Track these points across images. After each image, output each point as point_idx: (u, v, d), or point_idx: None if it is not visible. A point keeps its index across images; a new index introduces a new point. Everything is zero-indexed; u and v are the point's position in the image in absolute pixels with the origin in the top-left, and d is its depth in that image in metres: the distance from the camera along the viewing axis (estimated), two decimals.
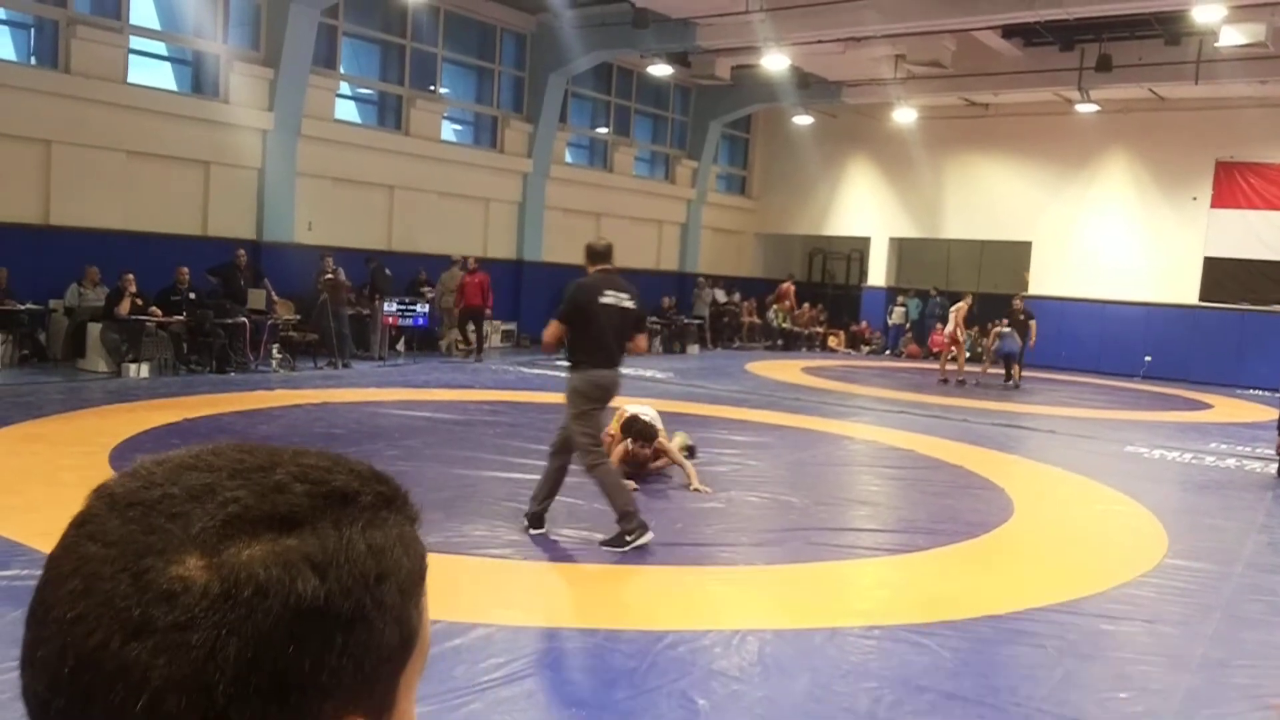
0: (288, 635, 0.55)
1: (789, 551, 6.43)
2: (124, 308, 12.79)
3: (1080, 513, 8.30)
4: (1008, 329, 18.52)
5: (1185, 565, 6.55)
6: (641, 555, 6.14)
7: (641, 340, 6.49)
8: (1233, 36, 16.13)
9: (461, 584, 5.44)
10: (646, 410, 8.77)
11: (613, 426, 8.63)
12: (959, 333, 18.49)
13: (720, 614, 5.25)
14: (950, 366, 18.79)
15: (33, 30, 14.13)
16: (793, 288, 25.82)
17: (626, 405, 8.91)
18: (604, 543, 6.15)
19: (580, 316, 6.21)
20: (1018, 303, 19.50)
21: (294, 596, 0.56)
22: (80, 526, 0.59)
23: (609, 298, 6.22)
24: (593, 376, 6.20)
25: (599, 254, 6.45)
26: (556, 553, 6.15)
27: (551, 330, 6.36)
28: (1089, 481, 9.48)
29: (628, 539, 6.06)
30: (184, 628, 0.54)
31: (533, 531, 6.35)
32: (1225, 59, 17.69)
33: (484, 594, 5.54)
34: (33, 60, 14.09)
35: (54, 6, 13.91)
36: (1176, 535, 7.36)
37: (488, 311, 17.83)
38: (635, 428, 8.18)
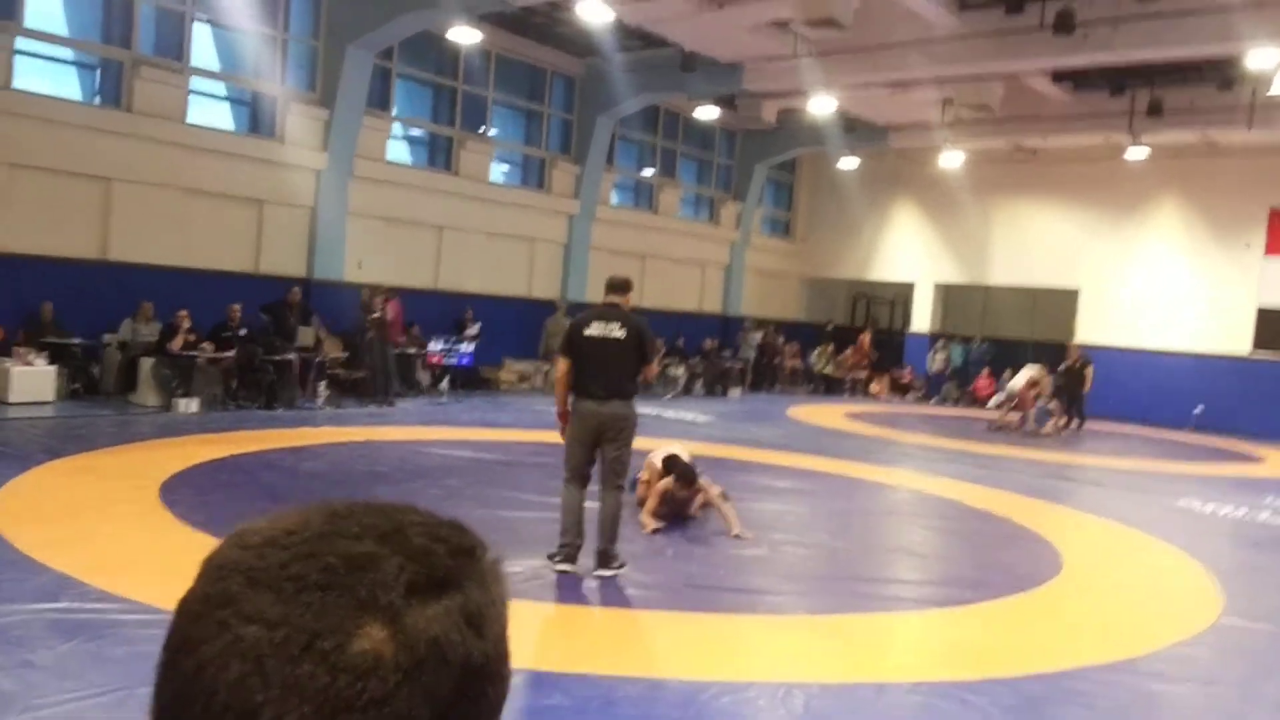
0: (459, 694, 0.57)
1: (834, 601, 6.35)
2: (177, 344, 13.01)
3: (1132, 568, 8.13)
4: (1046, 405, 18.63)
5: (1242, 625, 6.38)
6: (685, 600, 6.09)
7: (649, 370, 6.56)
8: None
9: None
10: (677, 452, 8.72)
11: (645, 473, 8.60)
12: (1030, 393, 18.55)
13: (765, 665, 5.18)
14: (1012, 417, 18.71)
15: (98, 71, 14.55)
16: (869, 337, 25.58)
17: (657, 449, 8.85)
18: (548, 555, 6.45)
19: (572, 350, 6.41)
20: (1075, 350, 19.34)
21: (467, 657, 0.58)
22: (223, 607, 0.57)
23: (594, 329, 6.37)
24: (579, 408, 6.40)
25: (609, 286, 6.67)
26: (598, 597, 6.11)
27: (558, 365, 6.62)
28: (1140, 535, 9.28)
29: (554, 558, 6.38)
30: (382, 702, 0.54)
31: (600, 572, 6.39)
32: (1279, 105, 17.49)
33: (524, 638, 5.51)
34: (97, 100, 14.49)
35: (119, 48, 14.32)
36: (1232, 593, 7.17)
37: (401, 339, 16.32)
38: (677, 467, 8.13)
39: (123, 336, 13.79)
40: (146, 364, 13.17)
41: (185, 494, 7.85)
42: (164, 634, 0.60)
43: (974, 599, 6.58)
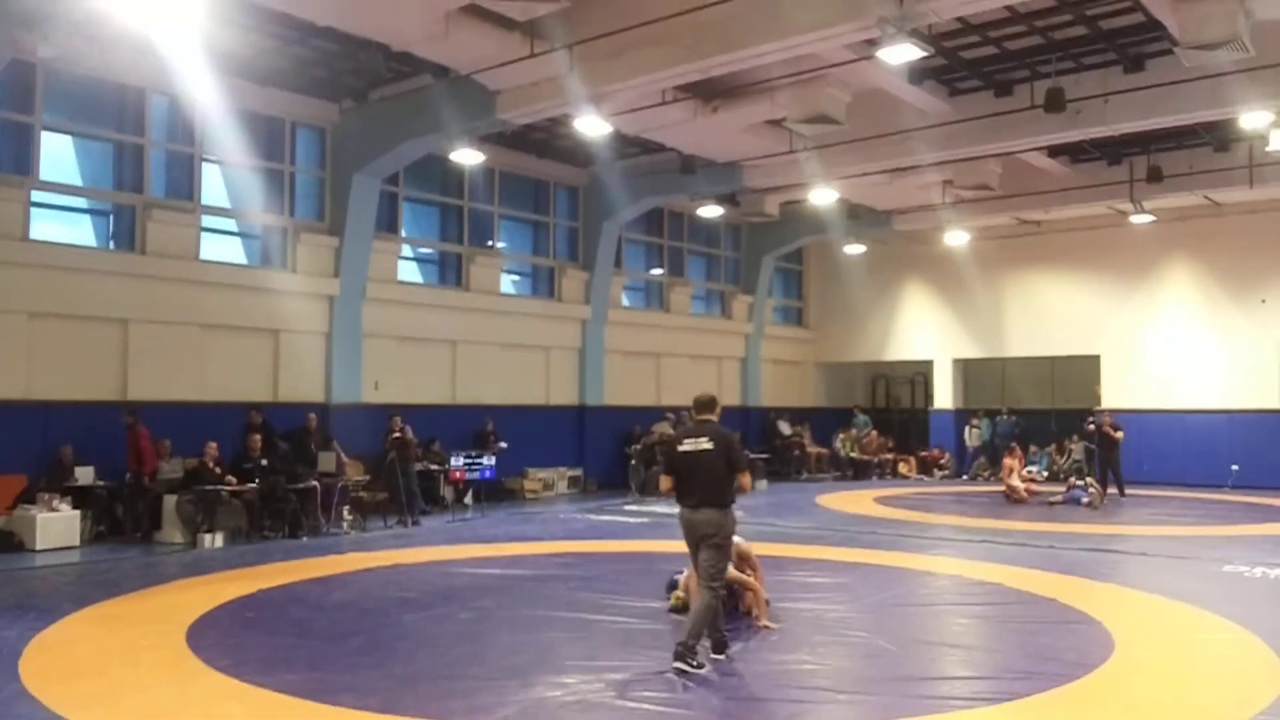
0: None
1: (883, 707, 6.12)
2: (210, 465, 13.13)
3: (1185, 645, 7.85)
4: (1081, 483, 18.34)
5: None
6: (734, 717, 5.90)
7: (743, 479, 7.26)
8: None
9: None
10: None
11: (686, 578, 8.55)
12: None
13: None
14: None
15: (111, 216, 14.86)
16: (876, 433, 25.77)
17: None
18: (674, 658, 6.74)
19: (671, 466, 7.29)
20: (1107, 418, 19.16)
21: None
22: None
23: (687, 445, 7.19)
24: (680, 516, 7.26)
25: (697, 406, 7.48)
26: (641, 716, 5.91)
27: (662, 481, 7.42)
28: (1190, 608, 9.00)
29: (689, 661, 6.64)
30: None
31: (713, 656, 7.00)
32: (1278, 162, 17.59)
33: None
34: (111, 244, 14.77)
35: (131, 193, 14.66)
36: None
37: (145, 480, 13.36)
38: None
39: None
40: (170, 501, 13.16)
41: (213, 636, 7.74)
42: None
43: (1027, 692, 6.34)
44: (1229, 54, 11.56)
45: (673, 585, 8.94)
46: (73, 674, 6.72)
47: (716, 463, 7.05)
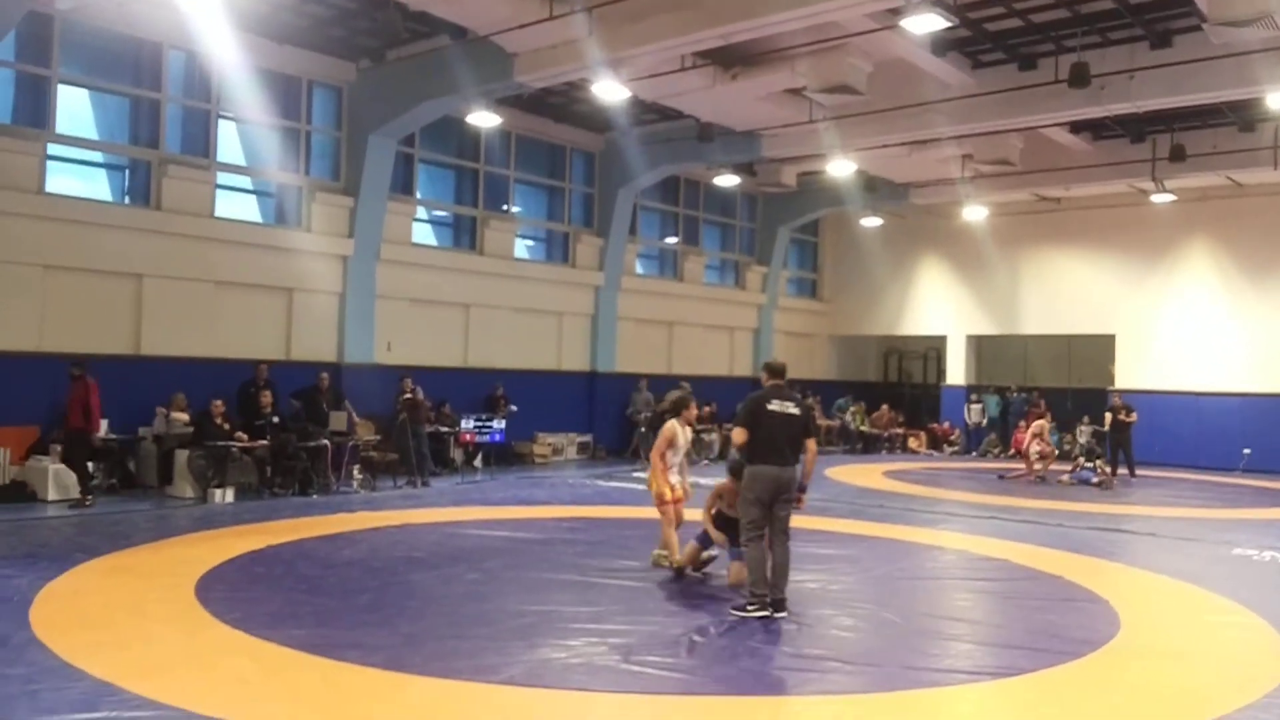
0: None
1: (888, 677, 6.14)
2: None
3: (1192, 626, 7.84)
4: (1090, 464, 18.14)
5: None
6: (736, 683, 5.92)
7: (810, 442, 7.69)
8: None
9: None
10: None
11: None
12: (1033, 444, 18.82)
13: None
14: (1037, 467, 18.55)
15: (127, 171, 14.85)
16: (887, 409, 25.79)
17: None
18: (733, 608, 7.46)
19: (755, 422, 7.52)
20: (1117, 400, 19.11)
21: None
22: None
23: (775, 405, 7.58)
24: (760, 472, 7.50)
25: (774, 371, 7.91)
26: (645, 683, 5.93)
27: (737, 434, 7.74)
28: (1198, 589, 8.99)
29: (749, 608, 7.31)
30: None
31: (775, 615, 7.33)
32: None
33: None
34: (127, 199, 14.77)
35: (147, 148, 14.63)
36: None
37: (95, 437, 12.47)
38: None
39: (156, 429, 13.88)
40: (182, 456, 13.23)
41: (221, 590, 7.80)
42: None
43: (1031, 667, 6.35)
44: (1258, 31, 11.39)
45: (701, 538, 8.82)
46: (82, 623, 6.77)
47: (800, 426, 7.57)
